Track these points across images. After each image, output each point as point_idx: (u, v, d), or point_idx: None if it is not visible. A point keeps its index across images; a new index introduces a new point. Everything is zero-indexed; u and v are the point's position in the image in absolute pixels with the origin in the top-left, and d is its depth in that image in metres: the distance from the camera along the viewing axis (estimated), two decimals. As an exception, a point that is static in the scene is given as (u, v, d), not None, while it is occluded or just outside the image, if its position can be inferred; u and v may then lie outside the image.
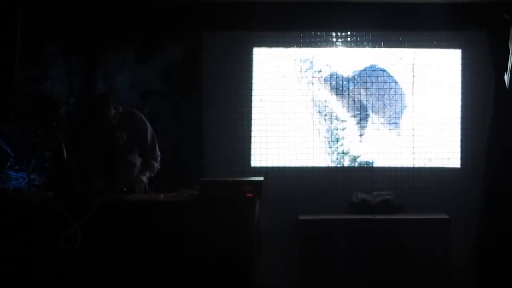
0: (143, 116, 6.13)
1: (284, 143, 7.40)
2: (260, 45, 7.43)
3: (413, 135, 7.37)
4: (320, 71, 7.41)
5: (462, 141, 7.33)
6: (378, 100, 7.40)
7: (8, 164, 6.95)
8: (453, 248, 6.83)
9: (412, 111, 7.38)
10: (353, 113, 7.40)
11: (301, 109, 7.40)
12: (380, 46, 7.39)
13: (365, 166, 7.40)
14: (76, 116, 7.12)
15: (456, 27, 7.19)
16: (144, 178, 5.97)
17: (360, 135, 7.41)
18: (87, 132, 5.93)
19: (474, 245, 7.16)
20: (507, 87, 6.34)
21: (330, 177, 7.35)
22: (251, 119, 7.41)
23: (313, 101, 7.41)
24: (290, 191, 7.25)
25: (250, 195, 5.15)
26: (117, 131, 5.90)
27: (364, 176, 7.36)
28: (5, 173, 6.93)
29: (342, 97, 7.40)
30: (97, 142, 5.92)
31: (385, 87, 7.39)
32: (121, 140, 5.92)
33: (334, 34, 7.41)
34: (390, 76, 7.39)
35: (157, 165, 6.10)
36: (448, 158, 7.35)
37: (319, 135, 7.40)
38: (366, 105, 7.40)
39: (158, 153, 6.14)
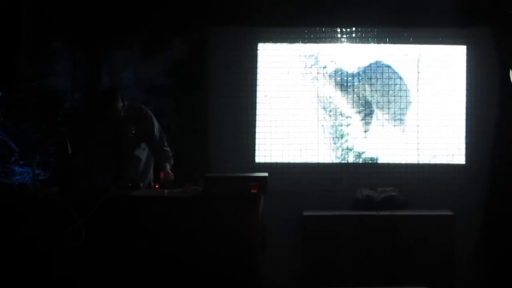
0: (149, 111, 6.15)
1: (288, 139, 7.39)
2: (265, 40, 7.43)
3: (417, 132, 7.36)
4: (325, 67, 7.40)
5: (466, 137, 7.31)
6: (383, 96, 7.39)
7: (13, 159, 6.97)
8: (457, 244, 6.81)
9: (417, 108, 7.36)
10: (357, 109, 7.39)
11: (306, 105, 7.39)
12: (385, 42, 7.38)
13: (370, 162, 7.40)
14: (81, 111, 7.13)
15: (461, 23, 7.18)
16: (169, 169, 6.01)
17: (365, 131, 7.40)
18: (93, 126, 5.95)
19: (478, 241, 7.16)
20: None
21: (335, 173, 7.35)
22: (255, 114, 7.41)
23: (317, 97, 7.40)
24: (295, 187, 7.25)
25: (255, 191, 5.14)
26: (126, 123, 5.91)
27: (368, 172, 7.35)
28: (10, 168, 6.95)
29: (347, 93, 7.39)
30: (104, 136, 5.93)
31: (390, 83, 7.38)
32: (130, 132, 5.92)
33: (339, 30, 7.41)
34: (395, 72, 7.38)
35: (171, 161, 6.12)
36: (453, 155, 7.34)
37: (324, 131, 7.40)
38: (371, 101, 7.39)
39: (168, 148, 6.15)
